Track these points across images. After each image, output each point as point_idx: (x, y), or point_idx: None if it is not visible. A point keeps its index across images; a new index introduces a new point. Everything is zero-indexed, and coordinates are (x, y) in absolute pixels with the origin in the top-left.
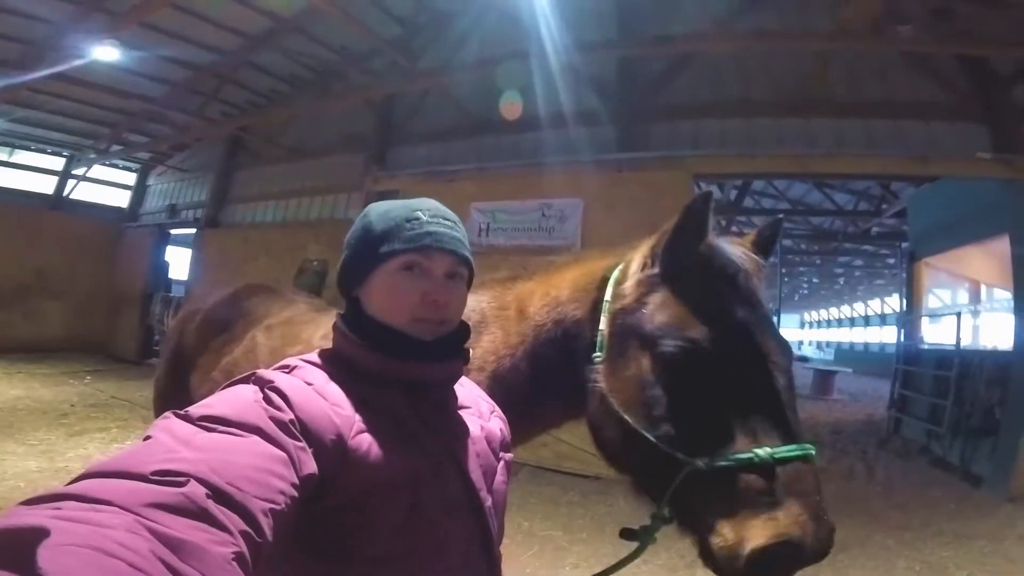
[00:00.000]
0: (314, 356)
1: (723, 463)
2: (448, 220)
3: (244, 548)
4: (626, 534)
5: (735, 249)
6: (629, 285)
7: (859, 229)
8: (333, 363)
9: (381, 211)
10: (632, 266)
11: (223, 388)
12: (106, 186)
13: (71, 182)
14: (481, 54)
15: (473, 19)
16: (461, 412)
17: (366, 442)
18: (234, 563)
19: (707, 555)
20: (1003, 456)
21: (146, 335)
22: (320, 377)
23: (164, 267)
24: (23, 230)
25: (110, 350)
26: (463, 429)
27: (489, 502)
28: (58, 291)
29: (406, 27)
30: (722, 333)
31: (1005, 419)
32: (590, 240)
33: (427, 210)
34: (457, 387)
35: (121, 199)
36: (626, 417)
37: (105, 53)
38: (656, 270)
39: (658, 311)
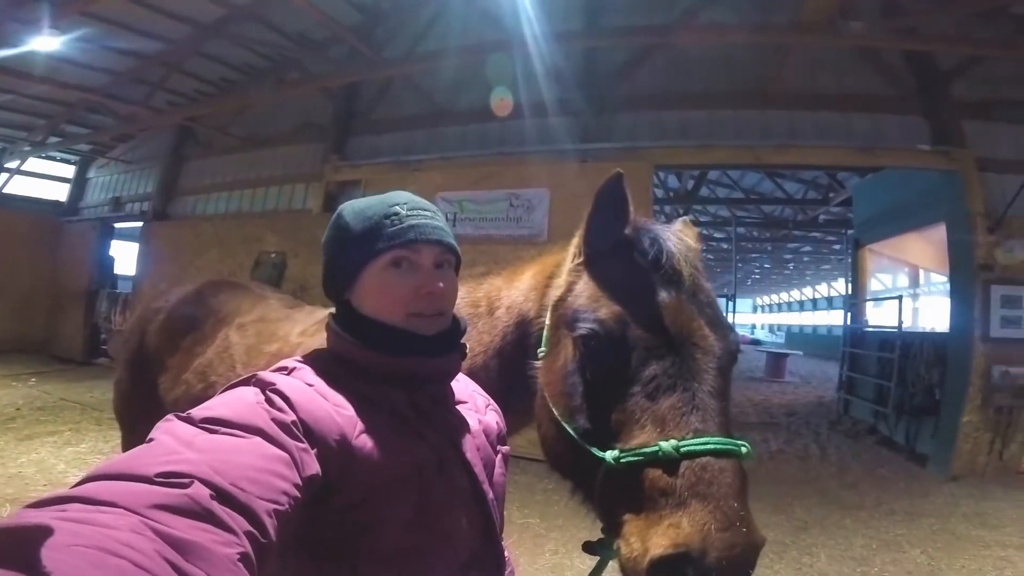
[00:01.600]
0: (309, 356)
1: (628, 458)
2: (427, 211)
3: (249, 549)
4: (587, 547)
5: (664, 231)
6: (563, 276)
7: (808, 217)
8: (330, 362)
9: (356, 210)
10: (568, 257)
11: (223, 391)
12: (42, 179)
13: (3, 176)
14: (445, 43)
15: (437, 6)
16: (458, 407)
17: (370, 441)
18: (240, 564)
19: (620, 564)
20: (944, 436)
21: (92, 334)
22: (319, 378)
23: (109, 262)
24: None
25: (53, 350)
26: (462, 424)
27: (491, 495)
28: None
29: (367, 14)
30: (636, 313)
31: (945, 400)
32: (558, 230)
33: (404, 203)
34: (452, 382)
35: (59, 193)
36: (553, 410)
37: (44, 43)
38: (582, 258)
39: (578, 296)
